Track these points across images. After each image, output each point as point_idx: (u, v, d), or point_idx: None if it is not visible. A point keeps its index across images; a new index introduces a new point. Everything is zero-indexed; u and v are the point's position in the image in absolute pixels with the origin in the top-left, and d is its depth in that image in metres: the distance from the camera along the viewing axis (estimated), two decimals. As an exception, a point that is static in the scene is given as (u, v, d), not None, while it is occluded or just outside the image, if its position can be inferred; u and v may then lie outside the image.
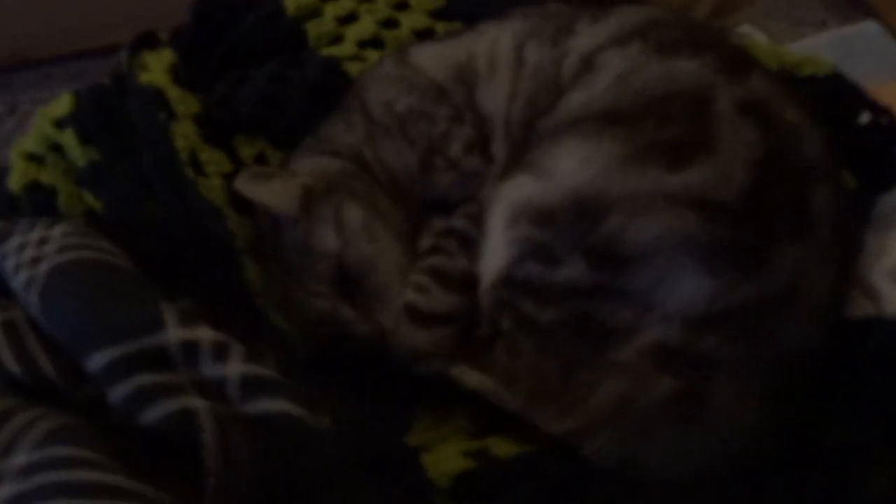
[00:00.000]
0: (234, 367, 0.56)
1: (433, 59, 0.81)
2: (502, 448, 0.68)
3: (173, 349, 0.56)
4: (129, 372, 0.54)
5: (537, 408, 0.67)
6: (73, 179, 0.82)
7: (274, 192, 0.73)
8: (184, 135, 0.81)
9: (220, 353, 0.57)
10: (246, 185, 0.73)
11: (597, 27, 0.74)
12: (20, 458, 0.49)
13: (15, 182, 0.83)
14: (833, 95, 0.84)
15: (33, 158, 0.84)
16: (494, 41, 0.78)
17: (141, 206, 0.77)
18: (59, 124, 0.83)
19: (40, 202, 0.82)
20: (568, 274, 0.64)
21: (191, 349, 0.56)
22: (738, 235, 0.62)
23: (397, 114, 0.78)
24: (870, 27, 1.35)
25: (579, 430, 0.66)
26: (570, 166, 0.64)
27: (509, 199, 0.67)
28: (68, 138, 0.82)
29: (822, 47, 1.38)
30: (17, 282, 0.66)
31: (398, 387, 0.74)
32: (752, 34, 1.10)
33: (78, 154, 0.81)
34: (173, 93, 0.84)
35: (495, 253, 0.68)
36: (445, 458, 0.67)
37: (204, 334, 0.57)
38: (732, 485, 0.64)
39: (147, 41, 0.93)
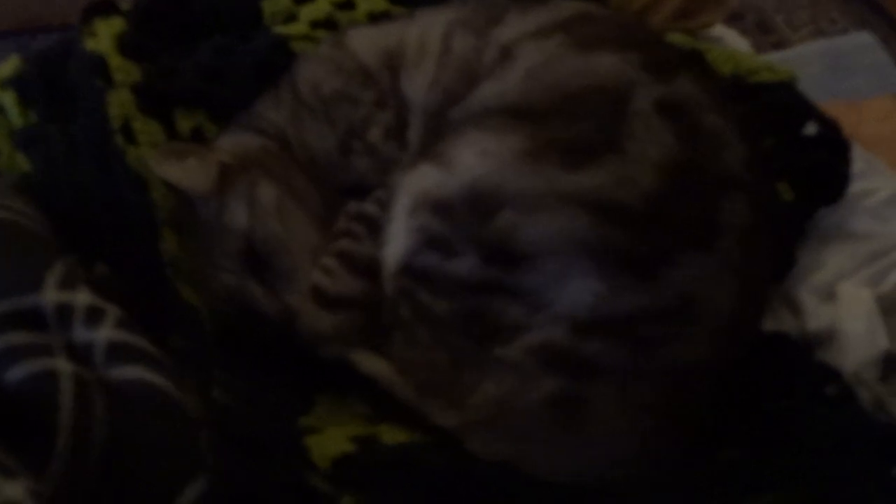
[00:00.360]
0: (104, 333, 0.56)
1: (367, 42, 0.80)
2: (391, 436, 0.68)
3: (48, 311, 0.57)
4: (1, 329, 0.55)
5: (427, 399, 0.67)
6: (11, 139, 0.83)
7: (187, 173, 0.72)
8: (119, 103, 0.81)
9: (93, 317, 0.57)
10: (159, 164, 0.72)
11: (524, 18, 0.73)
12: None
13: (-42, 139, 0.84)
14: (780, 105, 0.82)
15: (-21, 118, 0.86)
16: (426, 28, 0.77)
17: (66, 171, 0.78)
18: (2, 85, 0.84)
19: (-20, 161, 0.83)
20: (462, 267, 0.64)
21: (65, 312, 0.57)
22: (633, 241, 0.60)
23: (323, 95, 0.78)
24: (863, 38, 1.31)
25: (464, 425, 0.65)
26: (469, 159, 0.64)
27: (412, 188, 0.66)
28: (9, 99, 0.83)
29: (812, 56, 1.35)
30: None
31: (301, 367, 0.74)
32: (723, 38, 1.07)
33: (16, 115, 0.83)
34: (115, 61, 0.84)
35: (397, 241, 0.67)
36: (331, 441, 0.67)
37: (80, 298, 0.58)
38: (614, 492, 0.63)
39: (102, 7, 0.94)
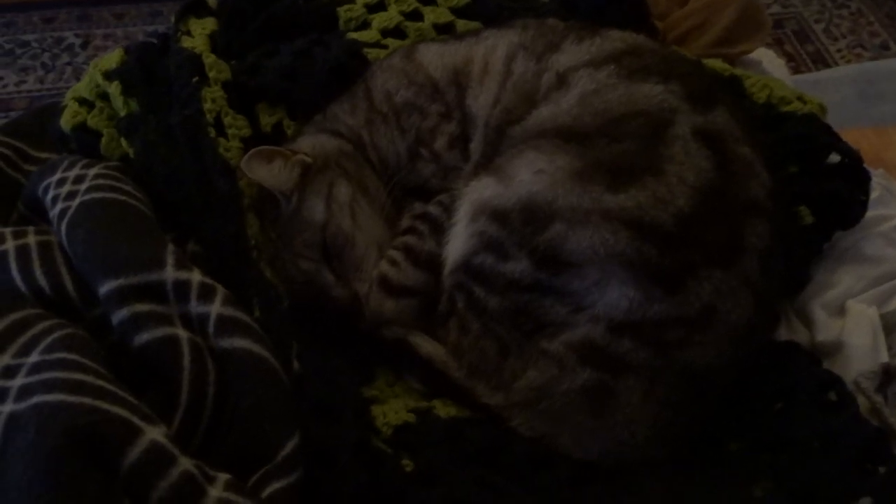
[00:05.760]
0: (215, 308, 0.67)
1: (435, 58, 0.89)
2: (445, 410, 0.78)
3: (168, 286, 0.67)
4: (129, 299, 0.66)
5: (475, 380, 0.77)
6: (114, 126, 0.93)
7: (274, 174, 0.82)
8: (212, 98, 0.91)
9: (206, 294, 0.67)
10: (250, 166, 0.82)
11: (579, 47, 0.81)
12: (33, 358, 0.61)
13: (65, 122, 0.95)
14: (807, 135, 0.89)
15: (84, 103, 0.96)
16: (491, 49, 0.86)
17: (165, 156, 0.87)
18: (108, 76, 0.94)
19: (86, 142, 0.94)
20: (514, 268, 0.73)
21: (183, 288, 0.67)
22: (664, 255, 0.69)
23: (395, 104, 0.87)
24: (895, 64, 1.37)
25: (507, 405, 0.75)
26: (525, 175, 0.73)
27: (475, 197, 0.76)
28: (114, 89, 0.93)
29: (845, 80, 1.40)
30: (54, 211, 0.78)
31: (365, 344, 0.84)
32: (762, 61, 1.14)
33: (120, 104, 0.93)
34: (209, 59, 0.94)
35: (458, 241, 0.77)
36: (393, 410, 0.77)
37: (195, 277, 0.68)
38: (632, 471, 0.73)
39: (195, 6, 1.04)
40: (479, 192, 0.75)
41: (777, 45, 2.38)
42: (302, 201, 0.83)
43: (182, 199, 0.87)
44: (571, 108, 0.76)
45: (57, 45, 2.29)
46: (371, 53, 1.00)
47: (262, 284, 0.81)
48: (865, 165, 0.91)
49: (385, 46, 1.02)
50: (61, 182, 0.81)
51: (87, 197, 0.77)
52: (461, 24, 1.06)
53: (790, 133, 0.89)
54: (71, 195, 0.78)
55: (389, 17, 1.05)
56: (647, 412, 0.71)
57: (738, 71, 0.99)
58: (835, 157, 0.90)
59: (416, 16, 1.06)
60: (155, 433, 0.55)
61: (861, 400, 0.76)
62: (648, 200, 0.70)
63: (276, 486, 0.58)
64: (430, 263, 0.81)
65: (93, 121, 0.94)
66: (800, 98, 0.95)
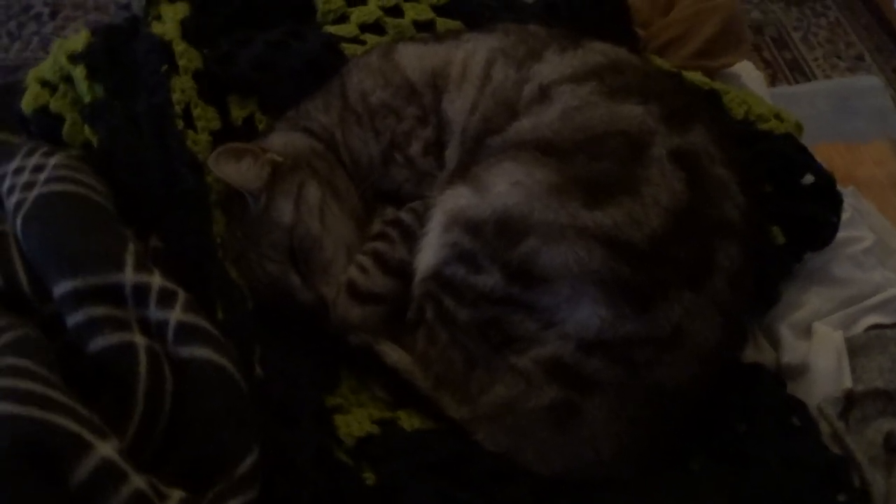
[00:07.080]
0: (175, 314, 0.64)
1: (414, 59, 0.87)
2: (409, 422, 0.77)
3: (127, 289, 0.65)
4: (85, 302, 0.63)
5: (441, 392, 0.76)
6: (78, 111, 0.90)
7: (242, 172, 0.80)
8: (182, 88, 0.88)
9: (167, 299, 0.65)
10: (218, 164, 0.79)
11: (562, 59, 0.80)
12: (-21, 362, 0.58)
13: (27, 104, 0.91)
14: (782, 155, 0.89)
15: (46, 85, 0.92)
16: (470, 53, 0.84)
17: (130, 146, 0.84)
18: (73, 58, 0.90)
19: (47, 126, 0.90)
20: (486, 281, 0.72)
21: (142, 292, 0.65)
22: (637, 276, 0.69)
23: (370, 105, 0.85)
24: (870, 81, 1.38)
25: (473, 419, 0.74)
26: (502, 187, 0.71)
27: (449, 206, 0.74)
28: (79, 73, 0.89)
29: (821, 94, 1.42)
30: (9, 202, 0.74)
31: (329, 351, 0.82)
32: (742, 76, 1.14)
33: (84, 89, 0.89)
34: (179, 47, 0.91)
35: (430, 251, 0.75)
36: (356, 421, 0.76)
37: (155, 280, 0.66)
38: (596, 488, 0.73)
39: (168, -10, 1.00)
40: (453, 201, 0.74)
41: (756, 51, 2.39)
42: (270, 201, 0.81)
43: (146, 191, 0.84)
44: (553, 122, 0.75)
45: (24, 14, 2.21)
46: (348, 49, 0.98)
47: (226, 284, 0.79)
48: (839, 187, 0.91)
49: (363, 42, 1.00)
50: (19, 171, 0.77)
51: (45, 189, 0.73)
52: (441, 23, 1.04)
53: (766, 152, 0.89)
54: (28, 186, 0.75)
55: (369, 11, 1.02)
56: (612, 431, 0.71)
57: (717, 85, 0.99)
58: (809, 177, 0.90)
59: (396, 11, 1.04)
60: (106, 449, 0.52)
61: (823, 425, 0.76)
62: (624, 220, 0.69)
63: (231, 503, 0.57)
64: (400, 271, 0.79)
65: (55, 104, 0.91)
66: (777, 116, 0.95)
